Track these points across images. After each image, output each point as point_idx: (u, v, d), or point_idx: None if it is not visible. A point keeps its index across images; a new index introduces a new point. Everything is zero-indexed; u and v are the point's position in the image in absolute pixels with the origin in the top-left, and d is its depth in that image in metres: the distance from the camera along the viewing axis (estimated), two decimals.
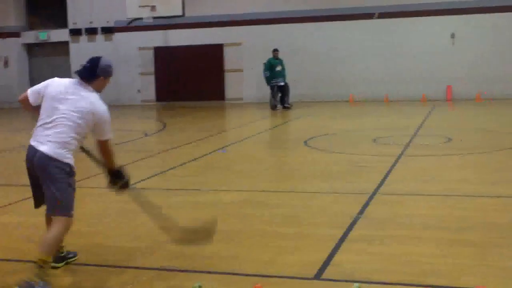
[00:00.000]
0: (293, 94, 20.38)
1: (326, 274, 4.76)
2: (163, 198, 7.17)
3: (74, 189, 4.64)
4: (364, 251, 5.25)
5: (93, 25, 24.63)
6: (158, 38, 23.90)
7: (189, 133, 14.62)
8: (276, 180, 8.75)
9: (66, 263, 5.08)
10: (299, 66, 21.72)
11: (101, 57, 4.86)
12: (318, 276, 4.71)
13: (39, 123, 4.63)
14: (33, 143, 4.58)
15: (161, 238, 5.31)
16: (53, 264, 4.78)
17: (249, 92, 23.24)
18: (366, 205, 6.81)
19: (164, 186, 8.43)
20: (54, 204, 4.54)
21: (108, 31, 24.54)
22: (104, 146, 4.77)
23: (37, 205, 4.79)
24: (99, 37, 24.74)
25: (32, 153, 4.54)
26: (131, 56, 24.03)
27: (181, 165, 9.96)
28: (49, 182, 4.50)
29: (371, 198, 7.12)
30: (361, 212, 6.51)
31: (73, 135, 4.55)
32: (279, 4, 22.48)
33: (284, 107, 19.77)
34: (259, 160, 10.43)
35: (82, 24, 24.76)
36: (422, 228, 5.88)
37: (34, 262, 4.41)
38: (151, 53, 24.08)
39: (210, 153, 11.12)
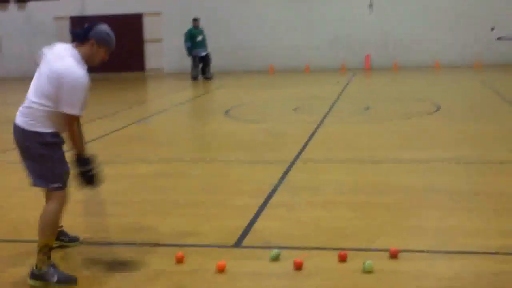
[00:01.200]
0: (214, 65, 20.28)
1: (246, 241, 4.81)
2: None
3: (52, 161, 4.12)
4: (283, 218, 5.34)
5: None
6: (75, 8, 23.20)
7: (109, 105, 14.33)
8: (196, 151, 8.74)
9: (61, 246, 4.73)
10: (220, 36, 21.58)
11: (104, 23, 4.32)
12: (238, 243, 4.76)
13: None
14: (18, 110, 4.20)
15: (77, 211, 5.20)
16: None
17: (170, 62, 22.97)
18: (286, 173, 6.90)
19: None
20: (33, 177, 4.16)
21: None
22: (68, 122, 4.11)
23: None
24: (12, 6, 23.76)
25: (13, 124, 4.17)
26: (46, 26, 23.23)
27: (100, 137, 9.78)
28: (24, 155, 4.15)
29: (291, 166, 7.22)
30: (281, 180, 6.60)
31: (43, 101, 4.03)
32: None
33: (206, 78, 19.66)
34: (179, 131, 10.37)
35: None
36: (338, 194, 6.04)
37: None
38: (67, 23, 23.36)
39: (130, 124, 10.97)
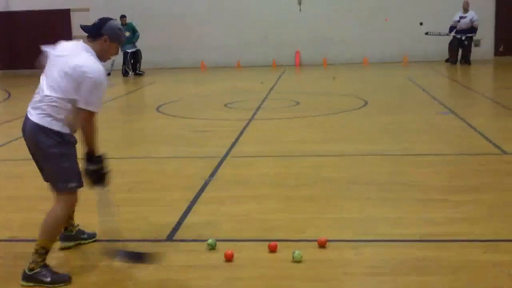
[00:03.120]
0: (146, 61, 20.15)
1: (178, 235, 4.88)
2: (10, 168, 6.95)
3: (70, 160, 4.06)
4: (214, 212, 5.42)
5: None
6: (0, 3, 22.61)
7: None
8: (127, 147, 8.70)
9: (79, 244, 4.67)
10: (149, 32, 21.39)
11: (114, 19, 4.26)
12: (170, 237, 4.83)
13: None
14: (26, 112, 4.09)
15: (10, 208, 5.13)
16: (62, 244, 4.49)
17: None
18: (217, 167, 6.99)
19: (11, 156, 8.11)
20: (48, 178, 4.12)
21: None
22: (87, 118, 4.03)
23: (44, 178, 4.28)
24: None
25: (24, 123, 4.08)
26: None
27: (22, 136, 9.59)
28: (39, 155, 4.05)
29: (222, 161, 7.31)
30: (212, 174, 6.68)
31: (61, 100, 3.97)
32: None
33: (136, 74, 19.52)
34: (110, 127, 10.27)
35: None
36: (267, 187, 6.17)
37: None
38: None
39: None
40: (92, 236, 4.77)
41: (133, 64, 19.61)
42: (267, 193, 5.97)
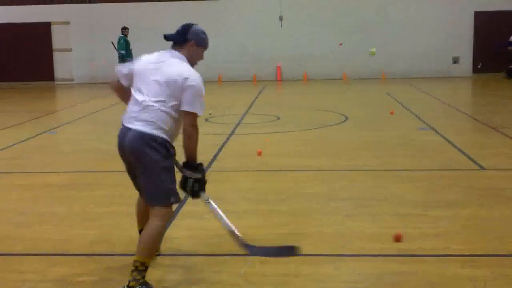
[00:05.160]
0: None
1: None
2: None
3: (171, 173, 3.99)
4: (193, 227, 5.41)
5: None
6: None
7: (15, 114, 13.99)
8: (107, 161, 8.64)
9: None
10: (133, 45, 21.40)
11: (195, 24, 4.32)
12: None
13: (131, 98, 4.09)
14: (124, 123, 4.03)
15: None
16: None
17: (80, 72, 22.58)
18: None
19: None
20: (149, 192, 3.99)
21: None
22: (192, 123, 4.00)
23: (141, 193, 4.22)
24: None
25: (123, 134, 4.01)
26: None
27: (6, 147, 9.54)
28: (141, 167, 3.96)
29: None
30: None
31: (166, 108, 3.96)
32: None
33: None
34: (90, 141, 10.24)
35: None
36: (246, 202, 6.20)
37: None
38: None
39: (38, 134, 10.74)
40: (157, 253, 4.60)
41: None
42: (247, 208, 5.98)
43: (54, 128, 11.76)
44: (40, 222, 5.62)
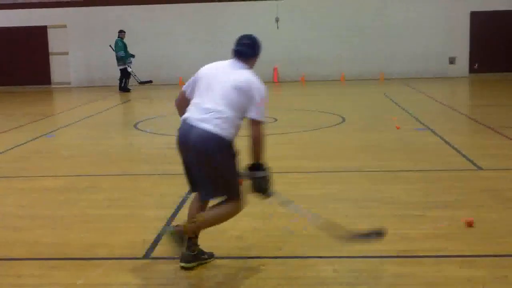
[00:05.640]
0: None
1: (155, 253, 4.86)
2: None
3: (237, 172, 4.29)
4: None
5: None
6: None
7: (13, 118, 13.98)
8: (104, 164, 8.65)
9: (199, 264, 4.52)
10: (129, 49, 21.44)
11: (253, 34, 4.53)
12: (147, 255, 4.80)
13: (192, 103, 4.33)
14: (188, 122, 4.25)
15: None
16: (183, 265, 4.40)
17: (77, 75, 22.57)
18: None
19: None
20: (218, 188, 4.23)
21: None
22: (256, 128, 4.21)
23: (194, 190, 4.48)
24: None
25: (186, 133, 4.22)
26: None
27: (5, 151, 9.54)
28: (207, 165, 4.18)
29: None
30: (190, 192, 6.64)
31: (233, 113, 4.19)
32: None
33: (126, 90, 19.72)
34: (88, 144, 10.23)
35: None
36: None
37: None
38: None
39: (35, 138, 10.74)
40: (211, 256, 4.64)
41: (125, 80, 19.96)
42: (244, 210, 5.94)
43: (52, 131, 11.75)
44: (38, 226, 5.62)
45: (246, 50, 4.41)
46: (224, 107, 4.17)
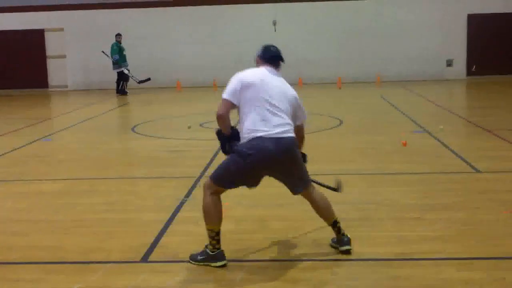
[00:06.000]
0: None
1: (153, 256, 4.86)
2: None
3: None
4: (189, 233, 5.41)
5: None
6: None
7: (10, 121, 13.97)
8: (102, 168, 8.63)
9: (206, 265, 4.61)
10: (127, 52, 21.45)
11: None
12: (145, 258, 4.80)
13: (255, 118, 4.56)
14: (270, 137, 4.50)
15: None
16: (217, 263, 4.55)
17: (74, 79, 22.55)
18: (192, 188, 6.97)
19: None
20: (303, 178, 4.73)
21: None
22: (302, 130, 4.90)
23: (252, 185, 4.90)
24: None
25: (275, 143, 4.49)
26: None
27: (2, 155, 9.53)
28: (294, 166, 4.65)
29: (197, 181, 7.29)
30: (188, 195, 6.66)
31: (291, 121, 4.68)
32: None
33: (124, 93, 19.74)
34: (85, 148, 10.22)
35: None
36: (242, 207, 6.17)
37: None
38: None
39: (33, 142, 10.72)
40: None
41: (123, 83, 20.00)
42: (242, 213, 5.98)
43: (50, 135, 11.75)
44: (35, 230, 5.62)
45: (281, 60, 4.88)
46: (287, 116, 4.66)
